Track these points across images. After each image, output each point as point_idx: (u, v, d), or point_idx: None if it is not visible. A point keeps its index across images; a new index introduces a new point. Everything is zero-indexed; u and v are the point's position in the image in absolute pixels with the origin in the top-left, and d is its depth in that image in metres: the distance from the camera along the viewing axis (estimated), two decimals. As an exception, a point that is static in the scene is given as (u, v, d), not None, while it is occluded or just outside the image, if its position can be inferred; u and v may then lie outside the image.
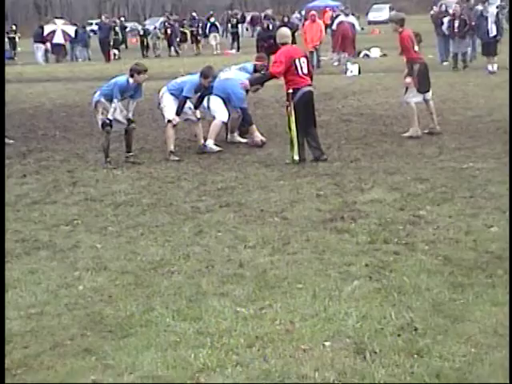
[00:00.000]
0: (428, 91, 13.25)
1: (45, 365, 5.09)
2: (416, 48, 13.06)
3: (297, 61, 11.46)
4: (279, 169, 11.20)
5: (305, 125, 11.56)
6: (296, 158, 11.49)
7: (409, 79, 13.06)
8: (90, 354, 5.21)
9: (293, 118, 11.42)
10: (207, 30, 43.56)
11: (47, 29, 43.18)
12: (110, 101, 11.80)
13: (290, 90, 11.43)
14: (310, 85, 11.64)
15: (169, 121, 12.49)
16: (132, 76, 11.79)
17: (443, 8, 27.80)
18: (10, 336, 5.57)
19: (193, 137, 13.46)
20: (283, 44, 11.79)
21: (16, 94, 23.41)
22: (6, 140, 14.52)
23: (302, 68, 11.49)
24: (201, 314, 5.84)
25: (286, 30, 12.47)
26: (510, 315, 5.40)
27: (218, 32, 43.48)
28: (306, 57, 11.88)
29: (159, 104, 12.95)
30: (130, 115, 12.13)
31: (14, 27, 48.88)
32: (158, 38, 44.03)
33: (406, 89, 13.28)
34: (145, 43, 43.45)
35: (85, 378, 4.87)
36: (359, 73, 25.65)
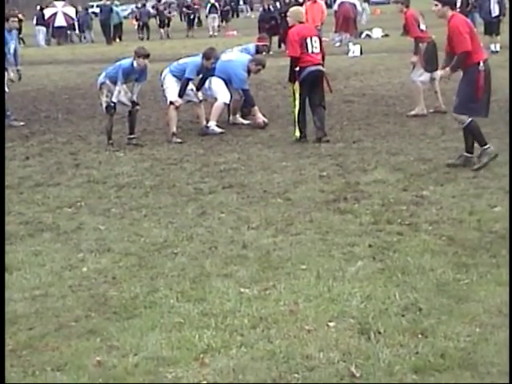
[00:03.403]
0: (435, 70, 13.24)
1: (49, 346, 5.09)
2: (423, 27, 13.09)
3: (308, 39, 11.42)
4: (282, 150, 11.19)
5: (309, 103, 11.57)
6: (297, 134, 11.54)
7: (414, 58, 13.15)
8: (95, 335, 5.22)
9: (297, 95, 11.45)
10: (207, 12, 43.48)
11: (48, 12, 43.12)
12: (115, 83, 11.77)
13: (297, 68, 11.43)
14: (319, 63, 11.58)
15: (171, 102, 12.47)
16: (134, 59, 11.78)
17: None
18: (15, 318, 5.58)
19: (195, 118, 13.43)
20: (300, 22, 11.74)
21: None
22: (15, 123, 14.53)
23: (312, 47, 11.45)
24: (205, 295, 5.84)
25: (299, 9, 12.41)
26: (510, 297, 5.39)
27: (217, 13, 43.36)
28: (318, 36, 11.82)
29: (162, 86, 12.93)
30: (135, 97, 12.11)
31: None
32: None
33: (413, 67, 13.32)
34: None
35: (89, 358, 4.87)
36: (361, 53, 25.58)
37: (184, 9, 46.09)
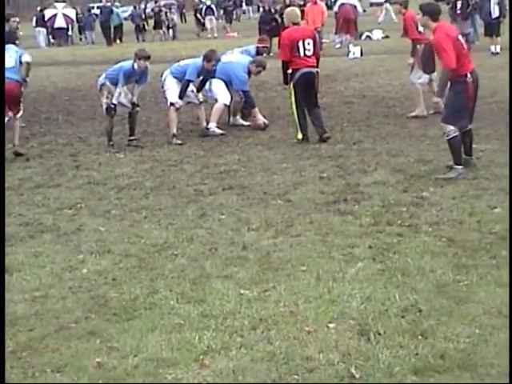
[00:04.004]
0: (433, 72, 13.26)
1: (50, 347, 5.10)
2: (421, 29, 13.09)
3: (300, 42, 11.40)
4: (282, 151, 11.19)
5: (304, 105, 11.59)
6: (299, 136, 11.56)
7: (411, 59, 13.18)
8: (95, 337, 5.22)
9: (293, 99, 11.47)
10: (203, 13, 43.51)
11: (48, 13, 43.11)
12: (115, 84, 11.78)
13: (289, 71, 11.46)
14: (311, 66, 11.58)
15: (171, 104, 12.47)
16: (135, 61, 11.80)
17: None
18: (15, 319, 5.58)
19: (195, 120, 13.44)
20: (294, 24, 11.76)
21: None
22: None
23: (304, 49, 11.44)
24: (205, 296, 5.85)
25: (294, 10, 12.41)
26: (510, 299, 5.39)
27: (213, 15, 43.36)
28: (312, 38, 11.76)
29: (162, 87, 12.94)
30: (135, 99, 12.12)
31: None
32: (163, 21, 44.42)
33: (412, 69, 13.34)
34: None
35: (89, 360, 4.88)
36: (361, 55, 25.55)
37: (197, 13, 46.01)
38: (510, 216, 7.31)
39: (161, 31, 42.94)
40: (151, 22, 44.63)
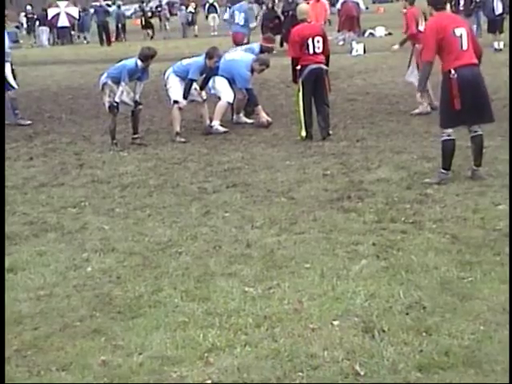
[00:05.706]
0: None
1: (55, 346, 5.11)
2: (421, 28, 13.08)
3: (310, 39, 11.41)
4: (285, 149, 11.20)
5: (312, 102, 11.58)
6: (303, 134, 11.55)
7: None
8: (100, 335, 5.23)
9: (300, 95, 11.47)
10: (206, 11, 43.57)
11: (51, 12, 43.17)
12: (117, 83, 11.79)
13: (298, 67, 11.46)
14: (320, 62, 11.57)
15: (175, 102, 12.48)
16: (142, 60, 11.80)
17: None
18: (20, 318, 5.60)
19: (199, 118, 13.44)
20: (302, 20, 11.79)
21: (22, 77, 23.36)
22: (22, 121, 14.62)
23: (314, 47, 11.44)
24: (209, 294, 5.85)
25: (304, 7, 12.42)
26: (510, 297, 5.39)
27: (216, 13, 43.39)
28: (322, 35, 11.72)
29: (165, 85, 12.95)
30: (137, 97, 12.12)
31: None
32: (167, 18, 44.75)
33: (409, 66, 13.37)
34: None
35: (94, 358, 4.89)
36: (364, 52, 25.55)
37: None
38: (510, 213, 7.30)
39: (149, 31, 43.13)
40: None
